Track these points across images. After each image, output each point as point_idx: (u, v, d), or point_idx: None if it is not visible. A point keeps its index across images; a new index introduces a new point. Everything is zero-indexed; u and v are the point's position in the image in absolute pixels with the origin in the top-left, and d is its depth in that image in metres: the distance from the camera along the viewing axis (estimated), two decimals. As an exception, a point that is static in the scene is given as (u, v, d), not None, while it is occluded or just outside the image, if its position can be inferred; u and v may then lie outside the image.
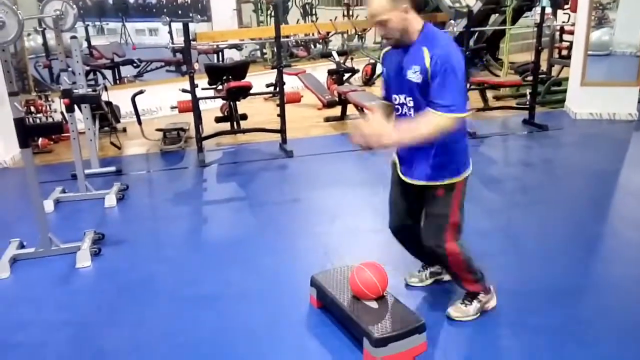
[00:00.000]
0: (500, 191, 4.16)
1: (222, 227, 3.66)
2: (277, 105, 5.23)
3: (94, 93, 3.84)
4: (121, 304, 2.70)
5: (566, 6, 8.51)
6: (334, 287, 2.47)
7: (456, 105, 2.05)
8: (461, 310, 2.45)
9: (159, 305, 2.68)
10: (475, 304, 2.45)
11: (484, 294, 2.47)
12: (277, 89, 5.22)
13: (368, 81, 8.24)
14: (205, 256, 3.19)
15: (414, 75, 2.13)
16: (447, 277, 2.71)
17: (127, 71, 7.77)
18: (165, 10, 10.79)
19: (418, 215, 2.42)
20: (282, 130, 5.17)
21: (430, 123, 2.06)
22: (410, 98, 2.20)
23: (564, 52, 8.37)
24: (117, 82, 7.46)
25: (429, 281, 2.73)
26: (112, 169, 4.64)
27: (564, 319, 2.46)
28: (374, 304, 2.33)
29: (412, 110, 2.21)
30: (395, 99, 2.27)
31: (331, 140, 5.58)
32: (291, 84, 7.33)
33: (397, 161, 2.40)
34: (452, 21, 7.63)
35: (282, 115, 5.13)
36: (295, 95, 5.63)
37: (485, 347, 2.30)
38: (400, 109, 2.26)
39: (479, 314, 2.45)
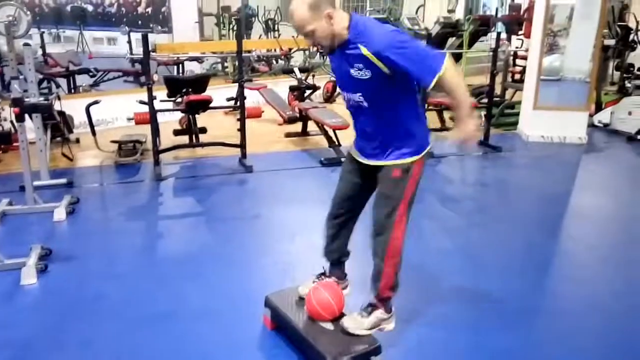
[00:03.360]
0: (458, 210, 4.24)
1: (178, 243, 3.57)
2: (238, 119, 5.19)
3: (45, 102, 3.70)
4: (68, 323, 2.58)
5: (520, 32, 8.83)
6: (288, 308, 2.43)
7: (433, 64, 2.01)
8: (357, 321, 2.32)
9: (108, 325, 2.58)
10: (372, 319, 2.34)
11: (384, 310, 2.36)
12: (238, 103, 5.18)
13: (329, 98, 8.29)
14: (158, 273, 3.10)
15: (359, 72, 2.09)
16: (344, 292, 2.58)
17: (82, 80, 7.57)
18: (125, 19, 10.62)
19: (364, 200, 2.39)
20: (242, 145, 5.12)
21: (450, 84, 2.04)
22: (359, 93, 2.17)
23: (517, 77, 8.67)
24: (72, 91, 7.25)
25: None
26: (63, 181, 4.47)
27: (520, 340, 2.50)
28: (329, 326, 2.30)
29: (364, 103, 2.19)
30: (344, 96, 2.27)
31: (291, 156, 5.56)
32: (252, 98, 7.29)
33: (356, 150, 2.37)
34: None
35: (242, 130, 5.08)
36: (256, 110, 5.60)
37: (440, 368, 2.31)
38: (349, 102, 2.25)
39: (372, 330, 2.33)
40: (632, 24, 8.47)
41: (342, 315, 2.34)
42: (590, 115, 6.68)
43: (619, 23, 7.90)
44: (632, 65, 7.80)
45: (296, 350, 2.35)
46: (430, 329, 2.56)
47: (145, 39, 4.71)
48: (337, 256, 2.56)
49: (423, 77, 2.03)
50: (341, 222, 2.46)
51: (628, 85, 7.12)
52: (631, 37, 7.82)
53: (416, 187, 2.25)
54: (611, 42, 7.52)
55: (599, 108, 7.05)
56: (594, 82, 6.38)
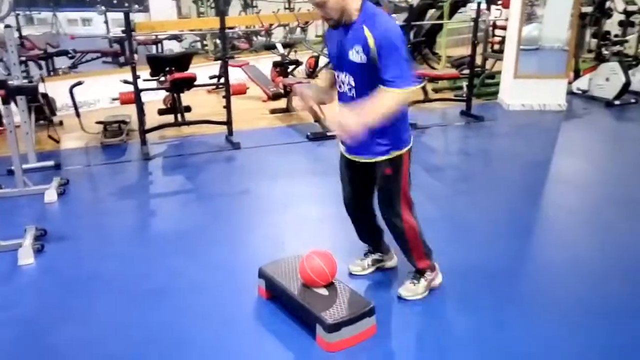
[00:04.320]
0: (442, 179, 4.34)
1: (169, 220, 3.63)
2: (223, 97, 5.20)
3: (31, 84, 3.68)
4: (68, 300, 2.64)
5: (499, 2, 8.86)
6: (283, 277, 2.51)
7: (406, 78, 2.11)
8: (411, 289, 2.56)
9: (107, 300, 2.64)
10: (423, 282, 2.57)
11: (430, 271, 2.59)
12: (222, 80, 5.18)
13: (312, 73, 8.29)
14: (152, 250, 3.16)
15: (356, 55, 2.17)
16: (389, 264, 2.83)
17: (61, 62, 7.47)
18: (99, -1, 10.41)
19: (370, 188, 2.51)
20: (228, 122, 5.15)
21: (389, 100, 2.11)
22: (352, 77, 2.24)
23: (497, 47, 8.72)
24: (51, 73, 7.16)
25: (371, 269, 2.80)
26: (51, 163, 4.45)
27: (505, 298, 2.63)
28: (323, 291, 2.39)
29: (353, 90, 2.26)
30: (338, 76, 2.33)
31: (277, 131, 5.60)
32: (234, 76, 7.27)
33: (344, 147, 2.46)
34: (393, 15, 7.81)
35: (227, 107, 5.10)
36: (241, 87, 5.61)
37: (431, 326, 2.43)
38: (342, 86, 2.32)
39: (427, 292, 2.58)
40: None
41: (332, 283, 2.44)
42: (569, 83, 6.80)
43: (595, -10, 7.97)
44: (608, 32, 7.89)
45: (292, 317, 2.44)
46: (420, 291, 2.67)
47: (127, 18, 4.68)
48: (372, 238, 2.77)
49: (389, 80, 2.09)
50: (360, 210, 2.64)
51: (605, 52, 7.23)
52: (607, 4, 7.89)
53: (409, 177, 2.42)
54: (588, 9, 7.60)
55: (577, 75, 7.16)
56: (573, 49, 6.48)
